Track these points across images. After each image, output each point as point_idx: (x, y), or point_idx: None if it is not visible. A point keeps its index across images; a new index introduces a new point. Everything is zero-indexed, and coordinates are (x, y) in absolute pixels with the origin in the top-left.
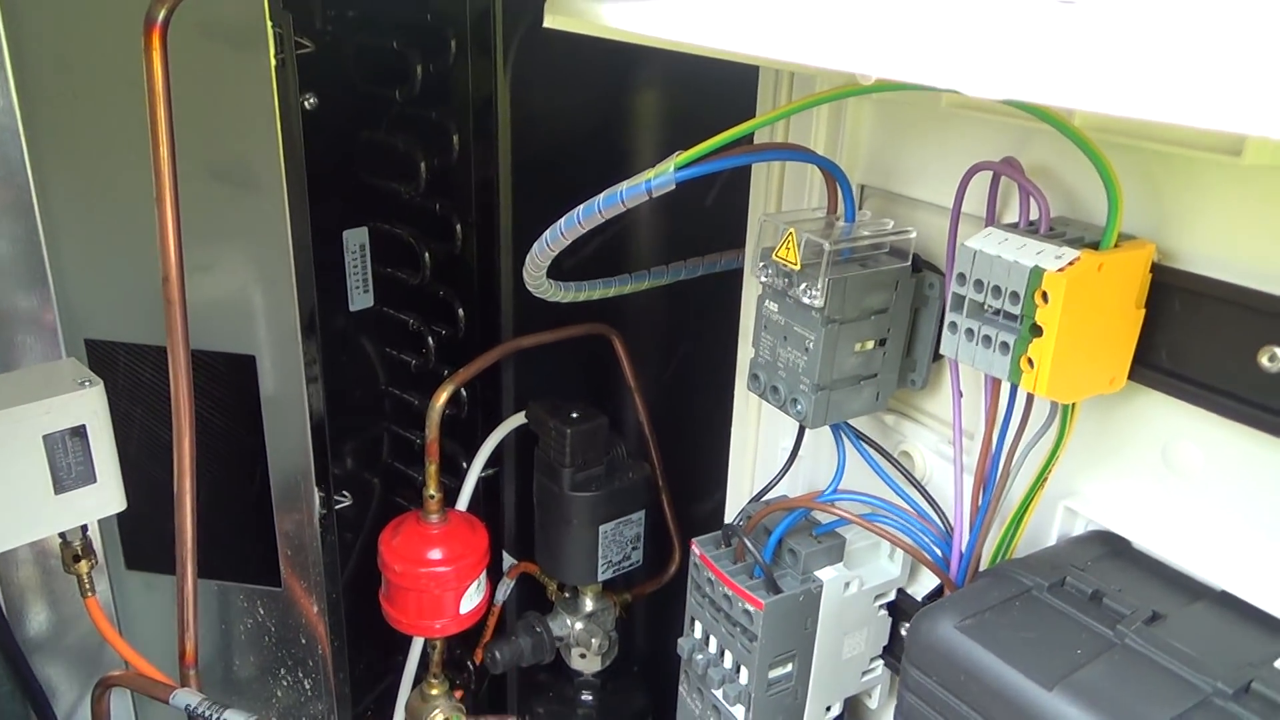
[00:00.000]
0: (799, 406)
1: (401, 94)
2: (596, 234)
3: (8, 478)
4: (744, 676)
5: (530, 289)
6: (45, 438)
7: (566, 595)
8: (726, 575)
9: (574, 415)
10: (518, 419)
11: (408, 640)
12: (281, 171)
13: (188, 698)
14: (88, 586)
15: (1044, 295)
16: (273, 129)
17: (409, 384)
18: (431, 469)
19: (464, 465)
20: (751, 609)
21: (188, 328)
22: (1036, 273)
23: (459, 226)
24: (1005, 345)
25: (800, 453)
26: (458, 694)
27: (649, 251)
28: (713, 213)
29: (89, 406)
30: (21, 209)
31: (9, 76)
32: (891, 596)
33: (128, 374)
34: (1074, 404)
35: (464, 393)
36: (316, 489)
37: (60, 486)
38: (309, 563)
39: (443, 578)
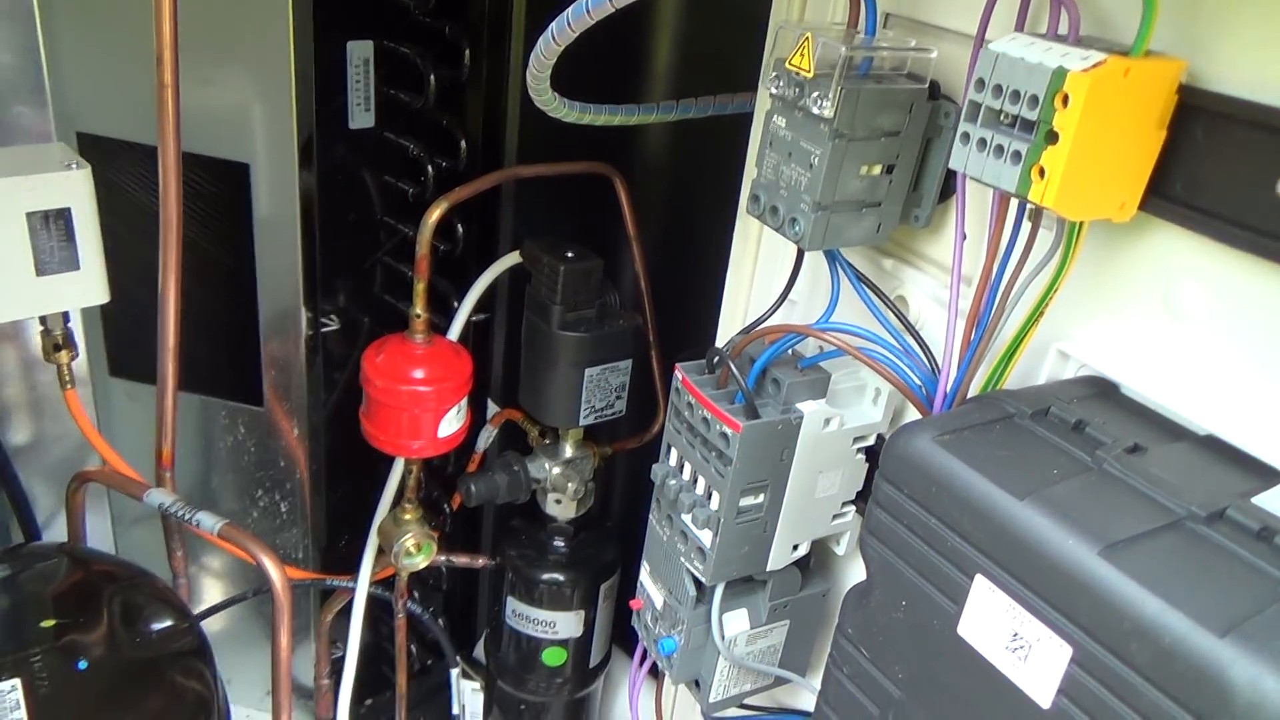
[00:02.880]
0: (797, 227)
1: None
2: (608, 64)
3: None
4: (715, 502)
5: (534, 97)
6: (29, 215)
7: (547, 441)
8: (707, 398)
9: (569, 254)
10: (512, 258)
11: (386, 473)
12: None
13: (161, 497)
14: (67, 379)
15: (1064, 98)
16: None
17: (406, 215)
18: (419, 286)
19: (455, 305)
20: (729, 431)
21: (179, 118)
22: (1059, 73)
23: (468, 51)
24: (1017, 155)
25: (793, 297)
26: (434, 534)
27: (662, 90)
28: (727, 56)
29: (75, 189)
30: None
31: None
32: (870, 442)
33: (118, 171)
34: (1079, 230)
35: (460, 229)
36: (304, 309)
37: (42, 269)
38: (293, 385)
39: (423, 397)
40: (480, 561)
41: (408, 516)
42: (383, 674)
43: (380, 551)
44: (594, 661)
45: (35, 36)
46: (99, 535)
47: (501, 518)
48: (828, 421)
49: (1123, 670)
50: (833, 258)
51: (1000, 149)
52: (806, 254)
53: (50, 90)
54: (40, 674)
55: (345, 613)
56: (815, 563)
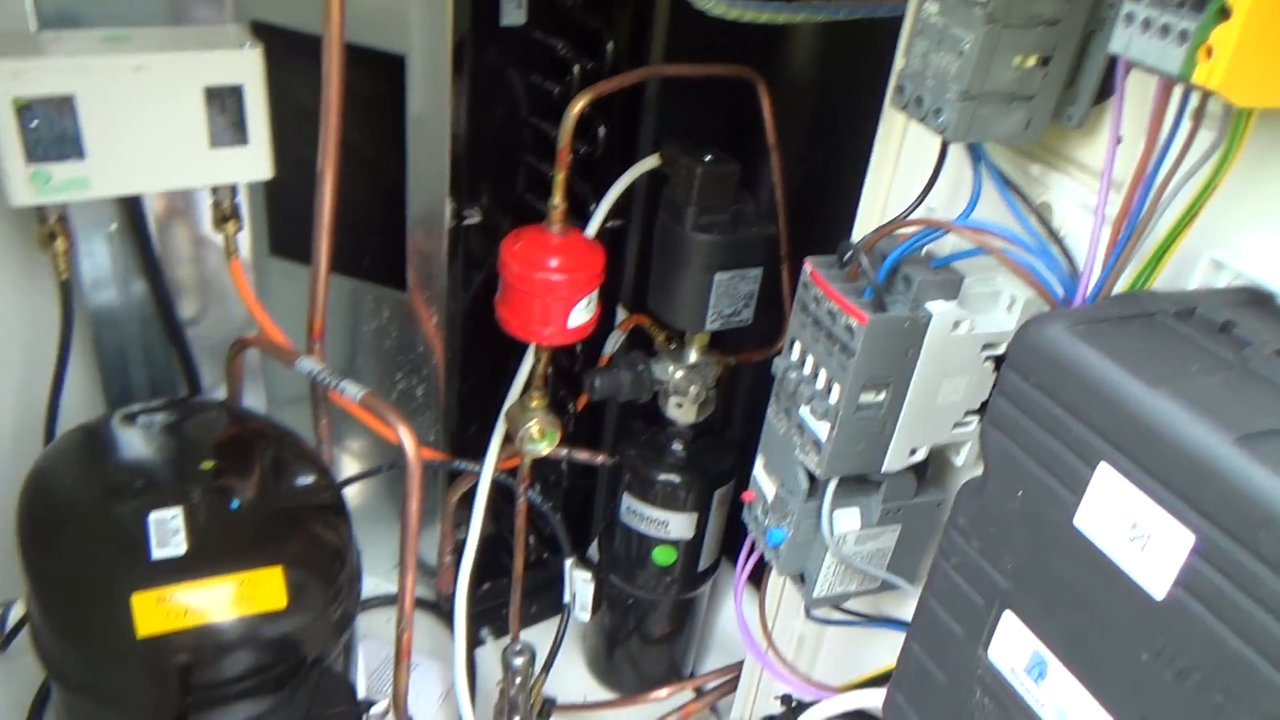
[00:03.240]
0: (942, 117)
1: None
2: None
3: (169, 123)
4: (834, 395)
5: None
6: (206, 89)
7: (672, 345)
8: (835, 291)
9: (707, 157)
10: (651, 161)
11: (517, 369)
12: None
13: (311, 364)
14: (232, 248)
15: None
16: None
17: (550, 116)
18: (559, 177)
19: (592, 207)
20: (854, 324)
21: (344, 8)
22: None
23: None
24: (1184, 34)
25: (932, 203)
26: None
27: None
28: None
29: (248, 67)
30: None
31: None
32: (1000, 351)
33: (285, 59)
34: (1244, 123)
35: (601, 131)
36: (449, 200)
37: (215, 141)
38: (434, 274)
39: (556, 286)
40: (600, 458)
41: (534, 404)
42: (501, 562)
43: (507, 440)
44: (703, 565)
45: None
46: (254, 404)
47: (623, 420)
48: (957, 324)
49: (1247, 560)
50: (977, 157)
51: (1165, 29)
52: (949, 157)
53: None
54: (198, 506)
55: (470, 497)
56: (933, 472)
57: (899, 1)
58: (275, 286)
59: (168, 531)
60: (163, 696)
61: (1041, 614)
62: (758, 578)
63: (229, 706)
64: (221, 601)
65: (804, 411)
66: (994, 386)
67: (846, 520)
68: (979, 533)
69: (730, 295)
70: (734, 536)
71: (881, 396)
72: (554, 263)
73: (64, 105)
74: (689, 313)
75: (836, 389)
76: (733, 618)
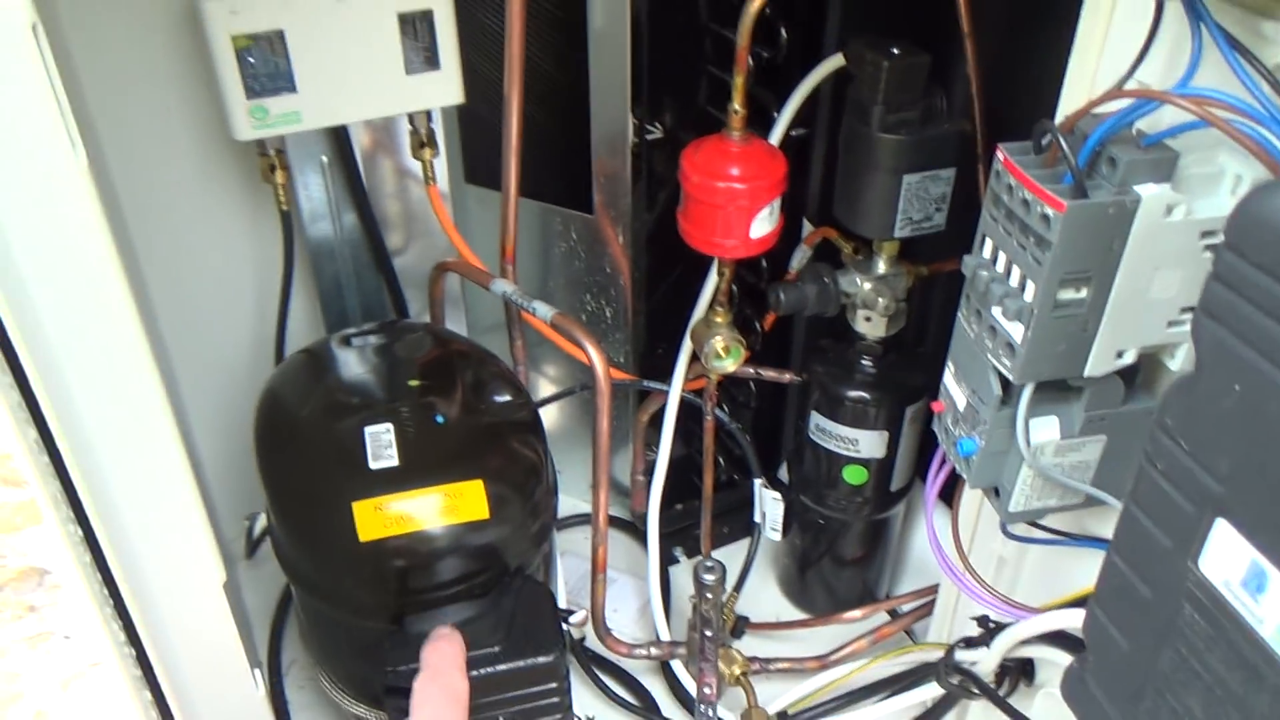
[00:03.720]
0: None
1: None
2: None
3: (367, 51)
4: (1029, 293)
5: None
6: (400, 15)
7: (860, 256)
8: (1029, 178)
9: (894, 50)
10: (835, 61)
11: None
12: None
13: (504, 286)
14: (430, 175)
15: None
16: None
17: (732, 21)
18: (739, 80)
19: (774, 115)
20: (1051, 212)
21: None
22: None
23: None
24: None
25: (1142, 74)
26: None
27: None
28: None
29: None
30: None
31: None
32: (1222, 239)
33: None
34: None
35: (783, 33)
36: (630, 116)
37: (410, 68)
38: (619, 194)
39: (736, 194)
40: (787, 376)
41: (718, 319)
42: (692, 482)
43: (693, 359)
44: (895, 485)
45: None
46: (454, 327)
47: (811, 337)
48: (1170, 209)
49: None
50: (1198, 16)
51: None
52: (1165, 20)
53: None
54: (407, 422)
55: (659, 417)
56: (1143, 378)
57: None
58: (472, 213)
59: (381, 445)
60: (383, 597)
61: (1260, 520)
62: (951, 496)
63: (441, 609)
64: (429, 511)
65: (996, 311)
66: (1210, 273)
67: (1044, 429)
68: (1189, 434)
69: (920, 199)
70: (928, 456)
71: (1083, 293)
72: (735, 171)
73: (276, 40)
74: (876, 219)
75: (1031, 286)
76: (927, 538)
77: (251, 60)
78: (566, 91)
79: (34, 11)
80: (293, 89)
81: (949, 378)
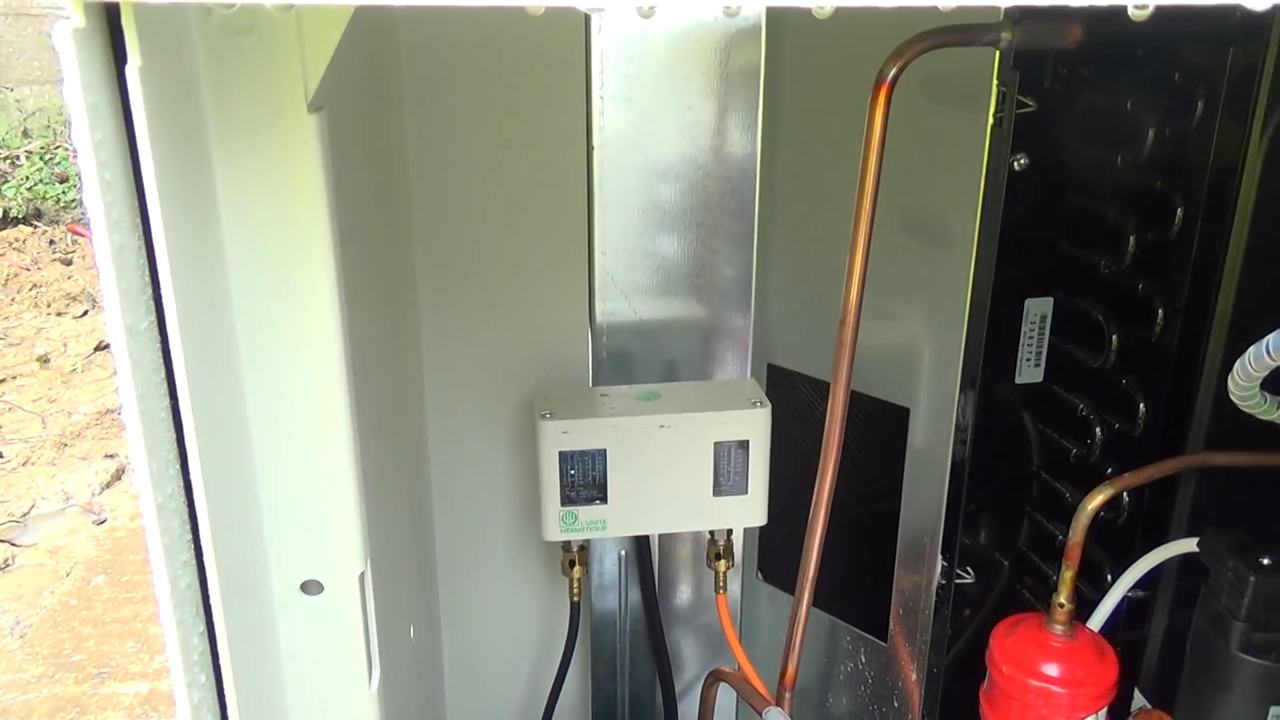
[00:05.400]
0: None
1: (1124, 159)
2: None
3: (683, 472)
4: None
5: (1235, 400)
6: (716, 444)
7: None
8: None
9: (1264, 561)
10: (1187, 544)
11: None
12: (975, 231)
13: (778, 718)
14: (721, 585)
15: None
16: (975, 188)
17: (1063, 472)
18: (1068, 575)
19: (1108, 578)
20: None
21: (852, 370)
22: None
23: (1161, 311)
24: None
25: None
26: None
27: None
28: None
29: (756, 425)
30: (744, 240)
31: (759, 128)
32: None
33: (795, 401)
34: None
35: (1125, 496)
36: (941, 556)
37: (719, 490)
38: (918, 628)
39: (1054, 698)
40: None
41: None
42: None
43: None
44: None
45: (750, 269)
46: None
47: None
48: None
49: None
50: None
51: None
52: None
53: (753, 328)
54: None
55: None
56: None
57: None
58: (761, 613)
59: None
60: None
61: None
62: None
63: None
64: None
65: None
66: None
67: None
68: None
69: None
70: None
71: None
72: (1053, 670)
73: (597, 458)
74: None
75: None
76: None
77: (572, 472)
78: (875, 512)
79: (364, 560)
80: (604, 500)
81: None
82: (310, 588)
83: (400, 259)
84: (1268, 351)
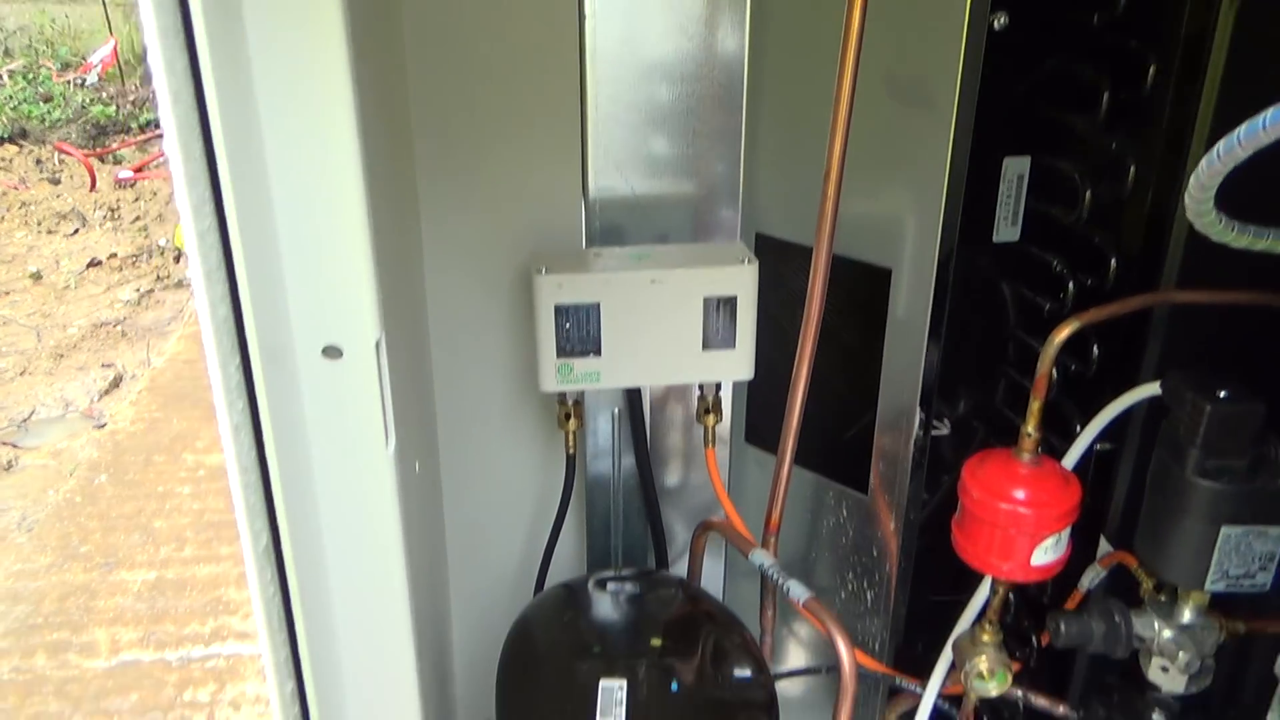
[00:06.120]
0: None
1: (1100, 18)
2: None
3: (673, 326)
4: None
5: (1191, 217)
6: (705, 299)
7: (1162, 598)
8: None
9: (1221, 394)
10: (1150, 388)
11: (974, 587)
12: (955, 91)
13: (763, 558)
14: (710, 439)
15: None
16: (956, 48)
17: (1038, 330)
18: (1035, 405)
19: (1077, 429)
20: None
21: (835, 229)
22: None
23: (1133, 167)
24: None
25: None
26: (1015, 665)
27: None
28: None
29: (743, 280)
30: (733, 134)
31: (746, 24)
32: None
33: (783, 266)
34: None
35: (1095, 349)
36: (919, 409)
37: (707, 344)
38: (896, 480)
39: (1020, 519)
40: (1061, 709)
41: (985, 638)
42: None
43: (953, 666)
44: None
45: (739, 152)
46: (713, 575)
47: (1097, 668)
48: None
49: None
50: None
51: None
52: None
53: (742, 198)
54: (641, 682)
55: (908, 717)
56: None
57: None
58: (748, 473)
59: (612, 701)
60: None
61: None
62: None
63: None
64: None
65: None
66: None
67: None
68: None
69: (1242, 554)
70: None
71: None
72: (1020, 494)
73: (592, 311)
74: (1183, 568)
75: None
76: None
77: (568, 325)
78: (857, 372)
79: (380, 328)
80: (598, 352)
81: None
82: (331, 353)
83: (398, 127)
84: (1218, 156)
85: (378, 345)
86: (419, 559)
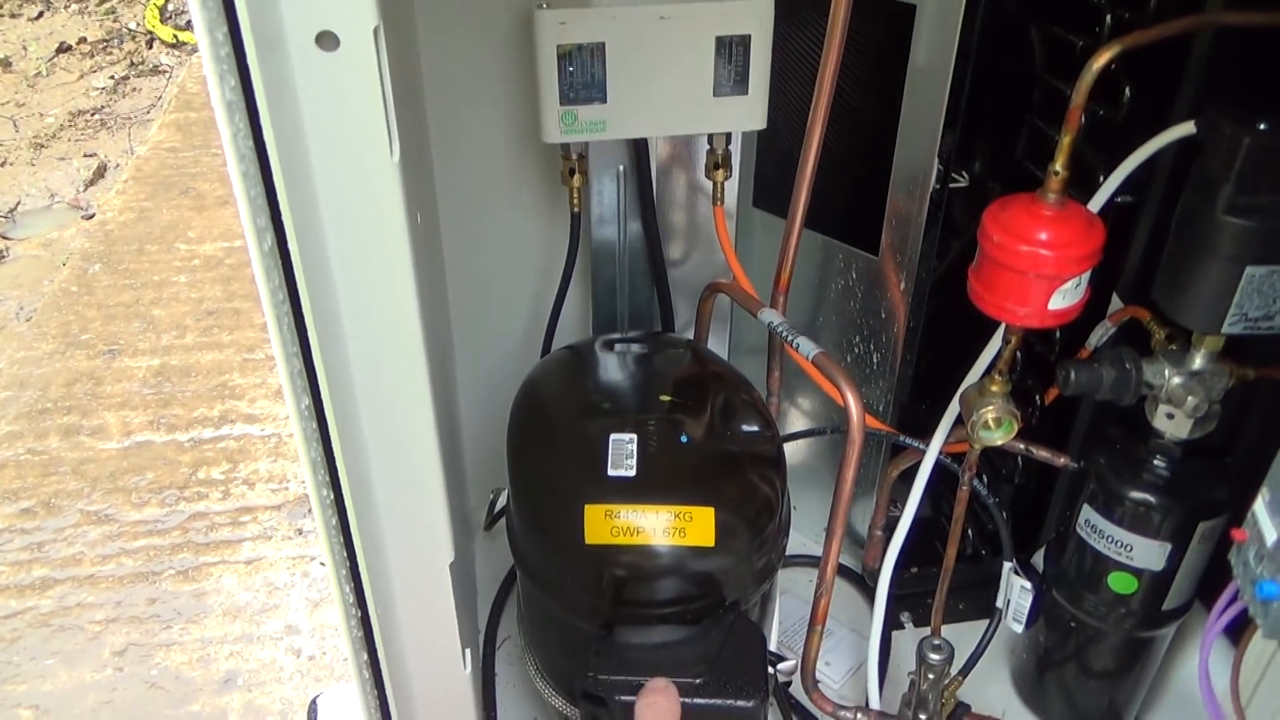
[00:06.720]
0: None
1: None
2: None
3: (682, 70)
4: None
5: None
6: (717, 39)
7: (1173, 346)
8: None
9: (1261, 125)
10: (1185, 127)
11: (980, 350)
12: None
13: (772, 316)
14: (719, 195)
15: None
16: None
17: (1068, 72)
18: (1065, 140)
19: (1100, 179)
20: None
21: None
22: None
23: None
24: None
25: None
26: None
27: None
28: None
29: (758, 17)
30: None
31: None
32: None
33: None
34: None
35: (1127, 92)
36: (936, 160)
37: (719, 90)
38: (909, 240)
39: (1040, 260)
40: (1062, 460)
41: (994, 389)
42: (933, 547)
43: (958, 422)
44: (1169, 604)
45: None
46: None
47: (1097, 421)
48: None
49: None
50: None
51: None
52: None
53: None
54: (651, 436)
55: (910, 475)
56: None
57: None
58: (755, 237)
59: (623, 454)
60: (596, 601)
61: None
62: (1237, 631)
63: (649, 627)
64: (656, 528)
65: None
66: None
67: None
68: None
69: (1263, 294)
70: (1215, 579)
71: None
72: (1043, 235)
73: (597, 51)
74: (1203, 310)
75: None
76: (1196, 672)
77: (571, 69)
78: (872, 126)
79: (378, 14)
80: (603, 99)
81: (1261, 506)
82: (325, 41)
83: None
84: None
85: (376, 32)
86: (426, 313)
